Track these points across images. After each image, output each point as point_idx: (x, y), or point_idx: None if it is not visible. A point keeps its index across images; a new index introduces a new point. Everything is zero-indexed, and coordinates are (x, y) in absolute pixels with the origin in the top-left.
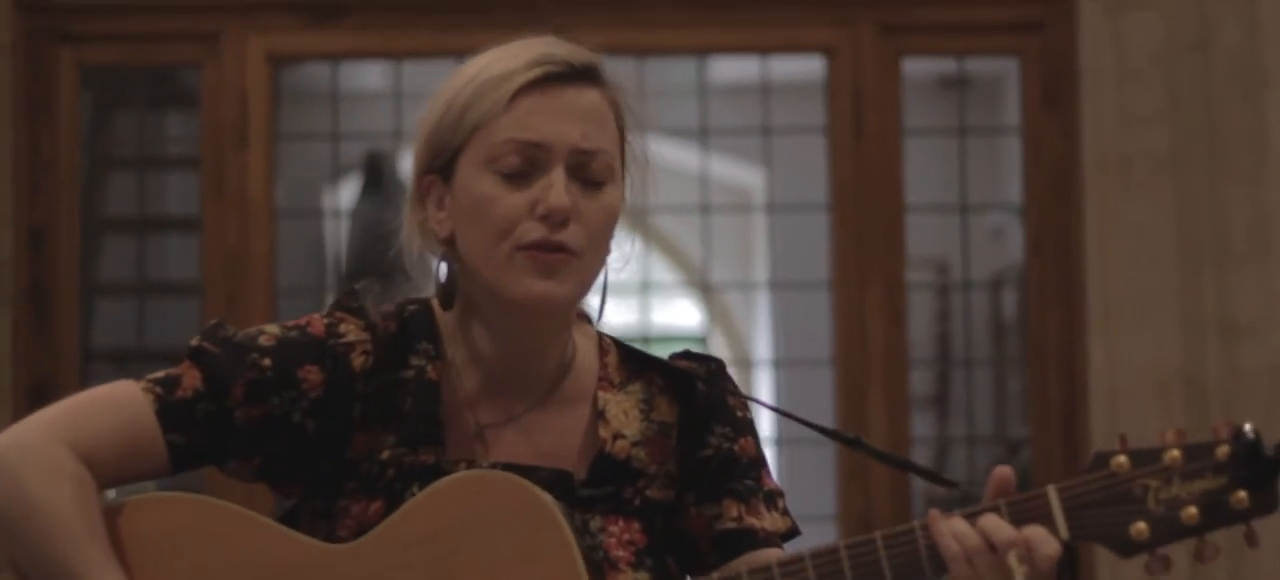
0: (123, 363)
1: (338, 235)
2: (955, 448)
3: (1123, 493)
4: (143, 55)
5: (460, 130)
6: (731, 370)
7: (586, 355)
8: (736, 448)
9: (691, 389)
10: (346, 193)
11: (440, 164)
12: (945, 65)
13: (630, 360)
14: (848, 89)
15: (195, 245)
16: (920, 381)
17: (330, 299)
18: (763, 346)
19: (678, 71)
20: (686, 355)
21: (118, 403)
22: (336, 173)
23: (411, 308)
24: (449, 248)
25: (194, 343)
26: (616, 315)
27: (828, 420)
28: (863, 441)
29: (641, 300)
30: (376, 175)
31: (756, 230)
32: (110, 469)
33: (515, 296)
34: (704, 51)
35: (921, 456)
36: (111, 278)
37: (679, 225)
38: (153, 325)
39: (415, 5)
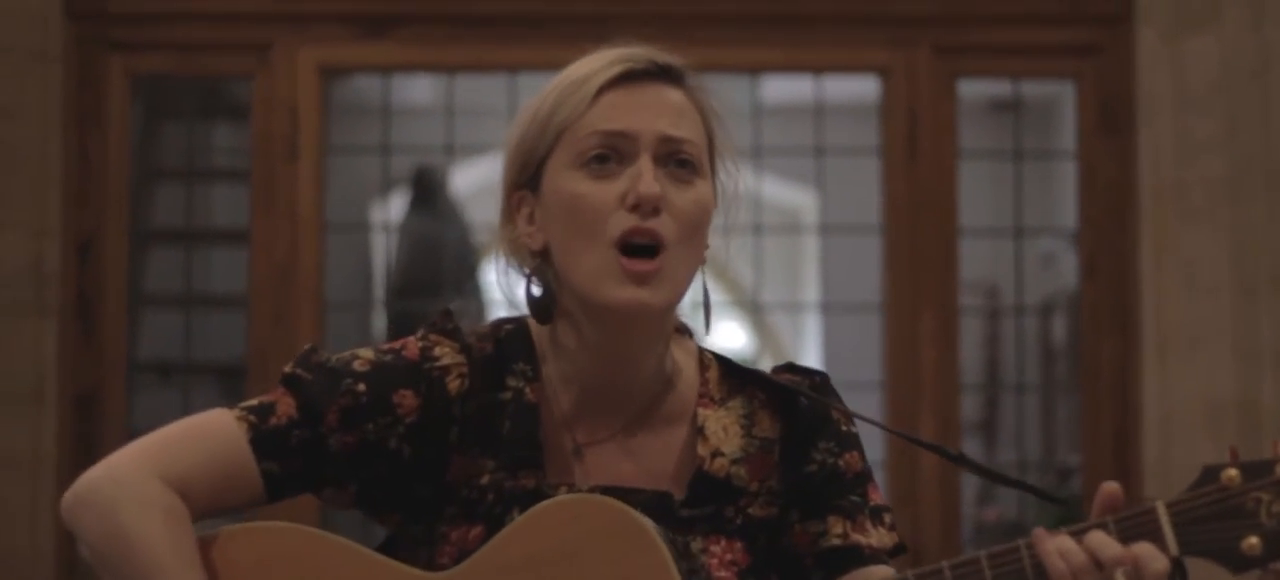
0: (168, 375)
1: (386, 250)
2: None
3: (1234, 507)
4: (193, 65)
5: (546, 136)
6: None
7: (687, 371)
8: (841, 463)
9: (794, 404)
10: (396, 207)
11: (528, 176)
12: (1000, 88)
13: (732, 375)
14: (902, 110)
15: (244, 257)
16: (969, 406)
17: (377, 314)
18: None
19: (731, 90)
20: (790, 368)
21: (211, 432)
22: (386, 186)
23: (508, 327)
24: (541, 261)
25: (288, 369)
26: None
27: (876, 445)
28: (966, 457)
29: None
30: (426, 190)
31: (807, 252)
32: (204, 499)
33: (608, 302)
34: (758, 70)
35: (970, 483)
36: (160, 289)
37: (727, 245)
38: (199, 338)
39: (466, 18)
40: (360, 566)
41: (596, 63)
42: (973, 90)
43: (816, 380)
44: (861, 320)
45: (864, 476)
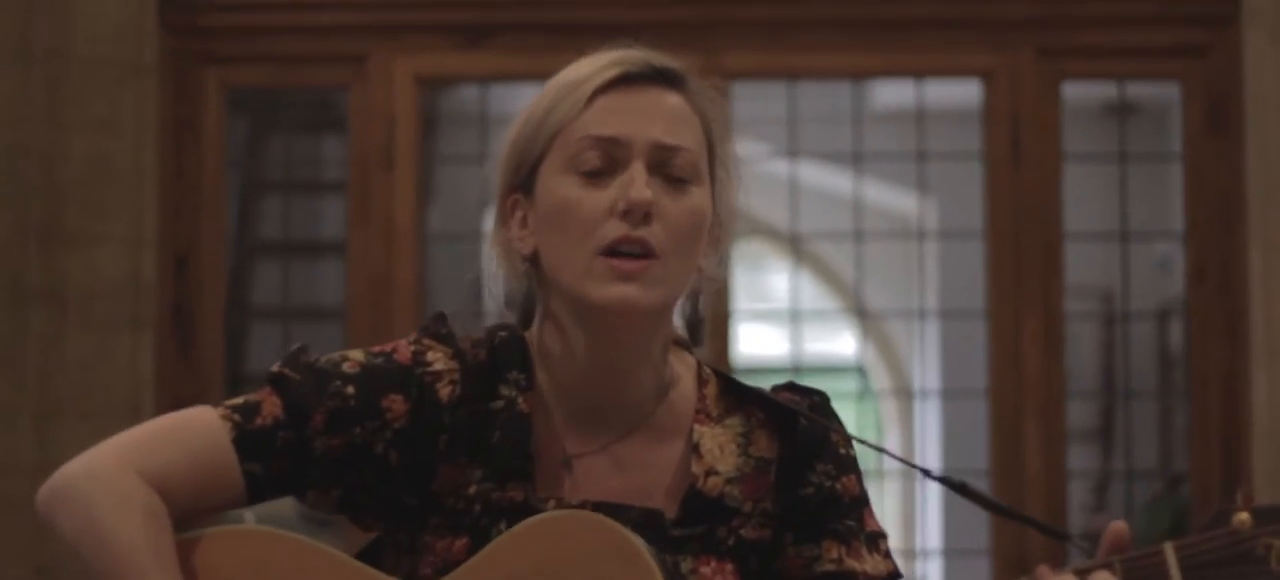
0: None
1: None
2: (1115, 482)
3: (1244, 552)
4: (289, 77)
5: (539, 139)
6: (890, 400)
7: (684, 385)
8: (838, 486)
9: (794, 424)
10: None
11: (522, 178)
12: (1109, 91)
13: (731, 392)
14: (1006, 114)
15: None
16: (1083, 414)
17: (487, 325)
18: (930, 376)
19: (836, 97)
20: (790, 387)
21: (194, 430)
22: (486, 198)
23: (502, 334)
24: (531, 266)
25: (274, 369)
26: (768, 343)
27: (981, 454)
28: (969, 487)
29: (793, 328)
30: None
31: (925, 258)
32: (185, 499)
33: (595, 301)
34: (859, 76)
35: (1079, 492)
36: (266, 301)
37: (841, 253)
38: None
39: (564, 27)
40: (342, 575)
41: (593, 65)
42: (1084, 94)
43: (815, 401)
44: (974, 327)
45: (861, 501)
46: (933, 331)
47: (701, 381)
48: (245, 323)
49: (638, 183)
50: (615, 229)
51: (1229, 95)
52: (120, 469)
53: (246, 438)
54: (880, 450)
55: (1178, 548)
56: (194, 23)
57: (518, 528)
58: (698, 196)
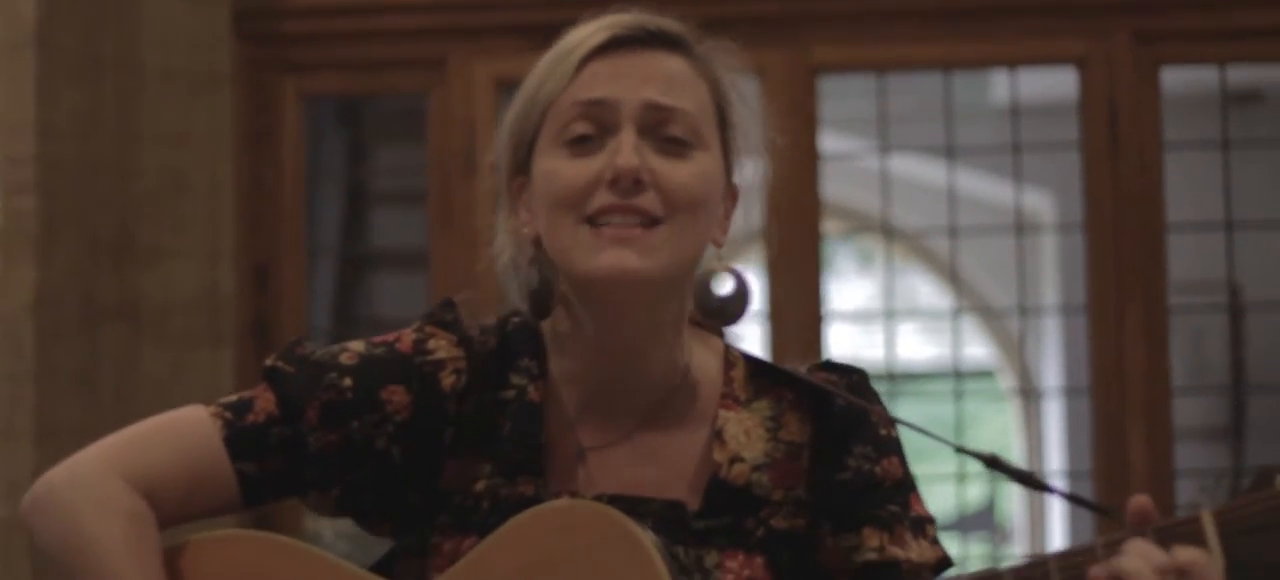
0: None
1: None
2: (1237, 480)
3: None
4: (366, 84)
5: (532, 115)
6: (1017, 402)
7: (708, 368)
8: (878, 470)
9: (828, 405)
10: None
11: (521, 159)
12: (1236, 77)
13: (760, 374)
14: (1102, 101)
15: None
16: (1216, 410)
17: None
18: (1051, 374)
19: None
20: (828, 366)
21: (183, 430)
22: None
23: (515, 320)
24: (538, 250)
25: (269, 363)
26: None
27: (1085, 452)
28: (1001, 461)
29: (887, 326)
30: None
31: (1044, 254)
32: (174, 503)
33: (586, 272)
34: (949, 66)
35: (1187, 489)
36: (369, 312)
37: (964, 250)
38: None
39: None
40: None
41: (584, 32)
42: (1206, 80)
43: (854, 379)
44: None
45: (905, 485)
46: (1053, 328)
47: (728, 364)
48: (350, 336)
49: (624, 149)
50: (602, 199)
51: None
52: (104, 474)
53: (238, 436)
54: (920, 430)
55: (1217, 514)
56: (270, 30)
57: (515, 520)
58: (702, 161)
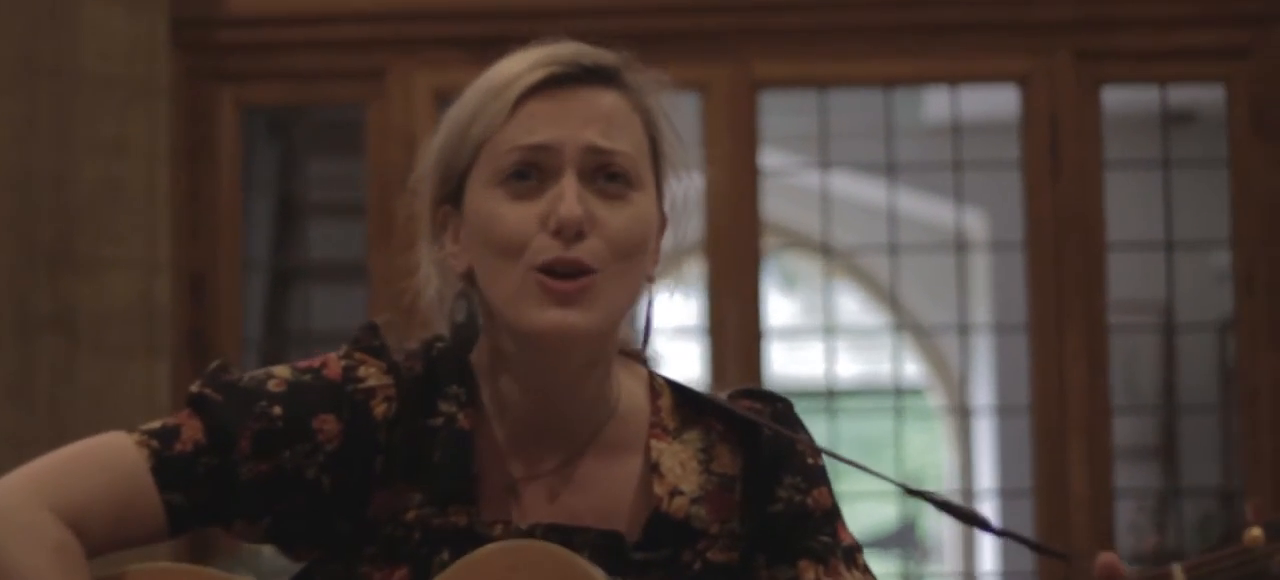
0: None
1: None
2: (1171, 500)
3: (1257, 570)
4: (305, 94)
5: (465, 149)
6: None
7: (635, 398)
8: (810, 501)
9: (756, 436)
10: None
11: (450, 190)
12: (1176, 97)
13: (687, 404)
14: (1044, 119)
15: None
16: (1146, 430)
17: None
18: (983, 393)
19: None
20: (750, 394)
21: (108, 459)
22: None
23: (439, 345)
24: (468, 284)
25: (194, 389)
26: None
27: (1017, 471)
28: (936, 496)
29: (827, 344)
30: None
31: (976, 272)
32: (101, 533)
33: (531, 329)
34: (890, 83)
35: (1126, 510)
36: (300, 326)
37: (898, 267)
38: None
39: (583, 37)
40: None
41: (518, 66)
42: (1143, 100)
43: (779, 408)
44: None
45: (833, 514)
46: (985, 347)
47: (654, 393)
48: (282, 348)
49: (568, 198)
50: (548, 249)
51: (1276, 97)
52: (30, 504)
53: (165, 466)
54: (847, 462)
55: (1188, 569)
56: (208, 40)
57: (465, 559)
58: (640, 203)
